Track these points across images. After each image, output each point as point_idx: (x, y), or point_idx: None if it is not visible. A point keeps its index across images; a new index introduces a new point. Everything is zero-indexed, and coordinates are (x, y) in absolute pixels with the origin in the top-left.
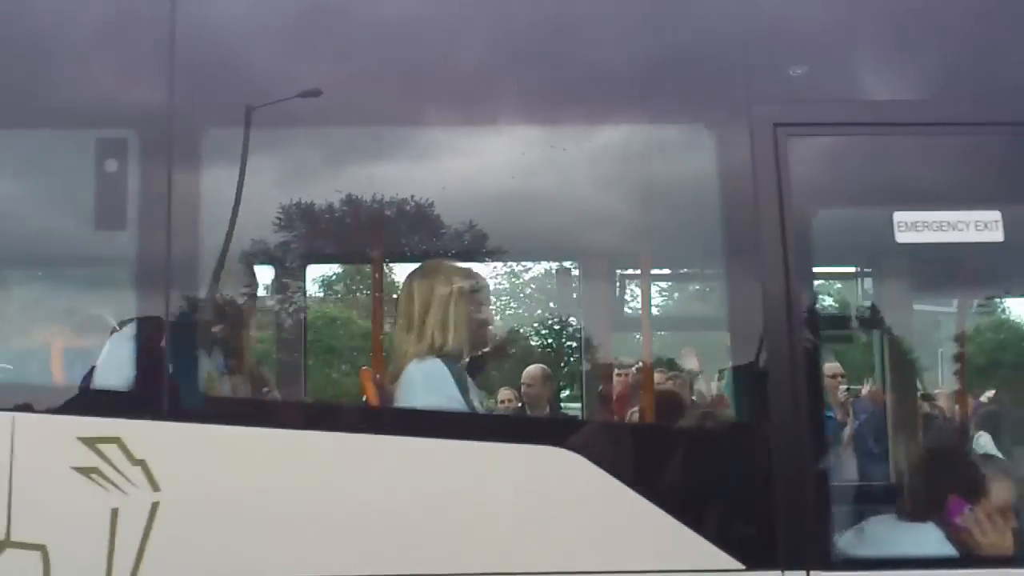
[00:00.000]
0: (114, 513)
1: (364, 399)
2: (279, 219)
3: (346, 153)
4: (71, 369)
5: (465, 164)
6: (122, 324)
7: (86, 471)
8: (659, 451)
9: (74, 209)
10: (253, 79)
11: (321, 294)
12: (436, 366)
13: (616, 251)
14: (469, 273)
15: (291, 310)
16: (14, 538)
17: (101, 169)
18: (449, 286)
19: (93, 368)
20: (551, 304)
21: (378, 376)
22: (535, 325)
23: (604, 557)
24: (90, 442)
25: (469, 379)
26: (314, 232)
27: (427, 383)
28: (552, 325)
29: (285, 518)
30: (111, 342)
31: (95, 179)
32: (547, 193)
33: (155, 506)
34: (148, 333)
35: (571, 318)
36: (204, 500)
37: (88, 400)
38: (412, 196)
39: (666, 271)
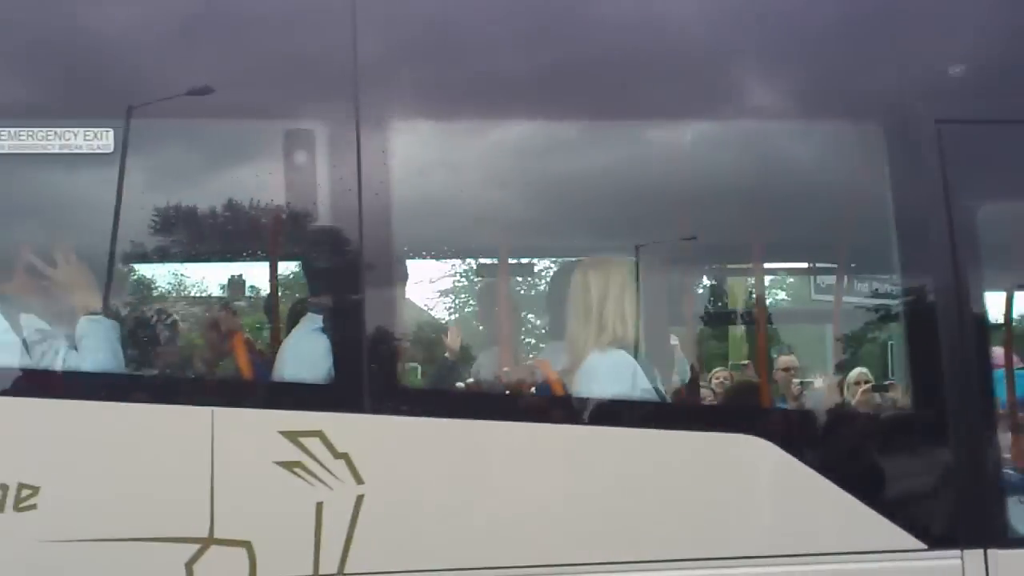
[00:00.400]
0: (319, 507)
1: (540, 388)
2: (466, 211)
3: (542, 142)
4: (265, 363)
5: None
6: (314, 316)
7: (289, 465)
8: (845, 437)
9: (263, 201)
10: (433, 70)
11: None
12: (622, 356)
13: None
14: (638, 266)
15: (485, 301)
16: (218, 535)
17: (290, 161)
18: (624, 278)
19: (287, 361)
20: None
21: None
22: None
23: (793, 540)
24: (292, 436)
25: (653, 368)
26: (501, 224)
27: (615, 372)
28: None
29: (484, 507)
30: (304, 334)
31: (284, 170)
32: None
33: (359, 499)
34: (346, 326)
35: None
36: (406, 492)
37: (288, 393)
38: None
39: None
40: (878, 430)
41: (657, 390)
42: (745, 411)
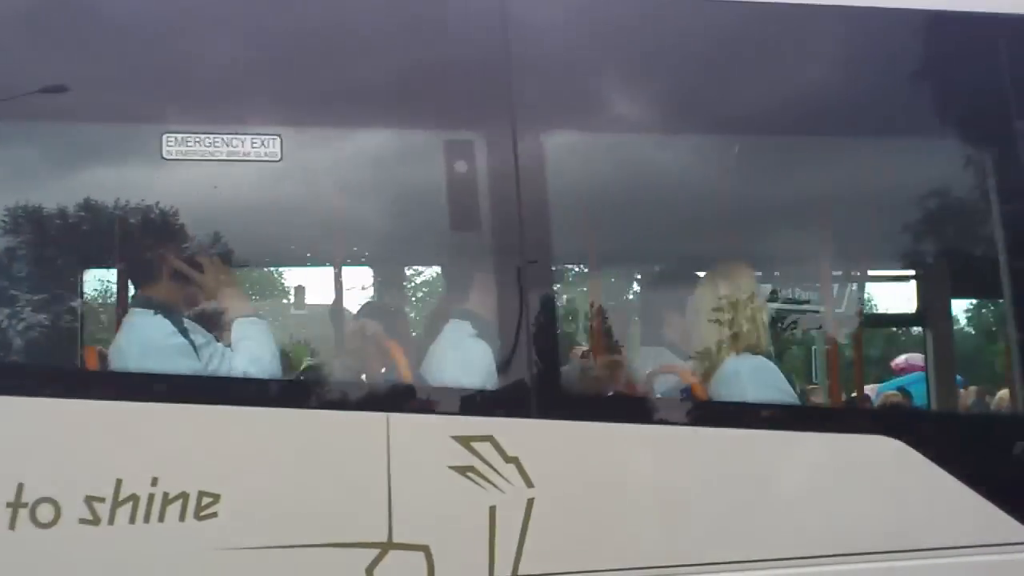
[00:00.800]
0: (492, 510)
1: (682, 392)
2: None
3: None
4: (433, 368)
5: None
6: (460, 323)
7: (462, 470)
8: (977, 439)
9: (424, 209)
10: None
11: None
12: (762, 361)
13: None
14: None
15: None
16: (396, 540)
17: (452, 170)
18: (755, 286)
19: (448, 366)
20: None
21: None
22: None
23: (923, 536)
24: (464, 441)
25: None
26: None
27: (757, 377)
28: None
29: (645, 508)
30: (459, 340)
31: (445, 180)
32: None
33: (530, 502)
34: (511, 333)
35: None
36: (573, 495)
37: (458, 399)
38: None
39: None
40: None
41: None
42: (880, 413)
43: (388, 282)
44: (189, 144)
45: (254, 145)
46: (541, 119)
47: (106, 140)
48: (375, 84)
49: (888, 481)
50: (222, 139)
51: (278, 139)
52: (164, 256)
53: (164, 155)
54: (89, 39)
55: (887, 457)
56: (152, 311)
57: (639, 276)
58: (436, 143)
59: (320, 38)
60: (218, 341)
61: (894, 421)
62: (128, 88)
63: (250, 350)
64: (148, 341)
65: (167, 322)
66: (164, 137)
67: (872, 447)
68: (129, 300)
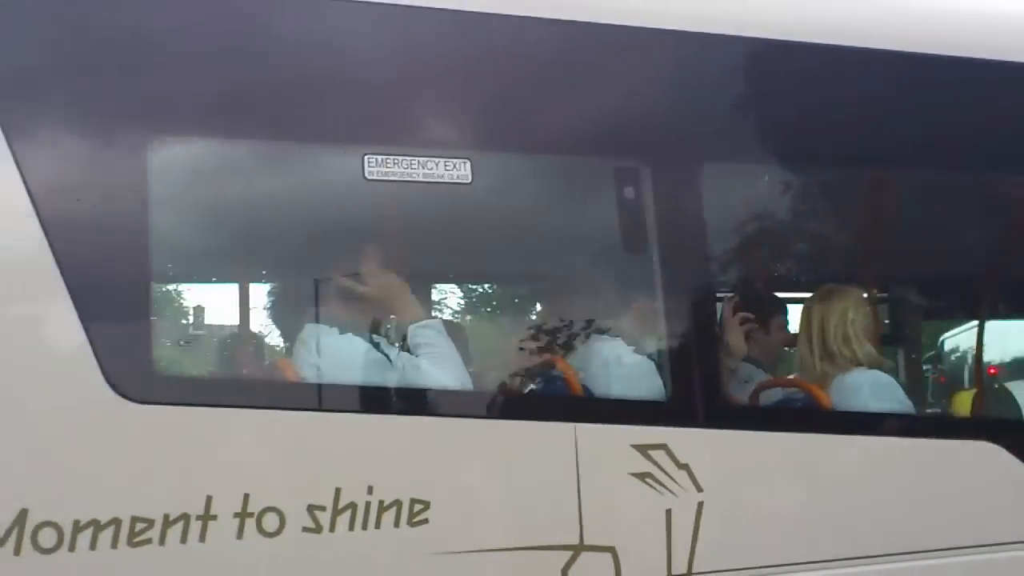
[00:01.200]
0: (668, 513)
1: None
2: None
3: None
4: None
5: None
6: (613, 341)
7: (641, 476)
8: None
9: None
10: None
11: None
12: (881, 375)
13: None
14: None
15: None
16: (587, 542)
17: (621, 196)
18: (864, 305)
19: (615, 379)
20: None
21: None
22: None
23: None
24: (642, 449)
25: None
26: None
27: (878, 390)
28: None
29: (799, 509)
30: (622, 355)
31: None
32: None
33: (700, 505)
34: (679, 350)
35: None
36: (736, 499)
37: (636, 410)
38: None
39: None
40: None
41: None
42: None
43: (554, 299)
44: (388, 165)
45: (447, 168)
46: (697, 151)
47: (311, 160)
48: (550, 115)
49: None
50: (418, 161)
51: (468, 163)
52: (341, 272)
53: (366, 175)
54: (306, 69)
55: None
56: (334, 327)
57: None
58: (607, 170)
59: (506, 75)
60: (394, 345)
61: (995, 428)
62: (335, 111)
63: (434, 357)
64: (349, 357)
65: (359, 339)
66: (365, 158)
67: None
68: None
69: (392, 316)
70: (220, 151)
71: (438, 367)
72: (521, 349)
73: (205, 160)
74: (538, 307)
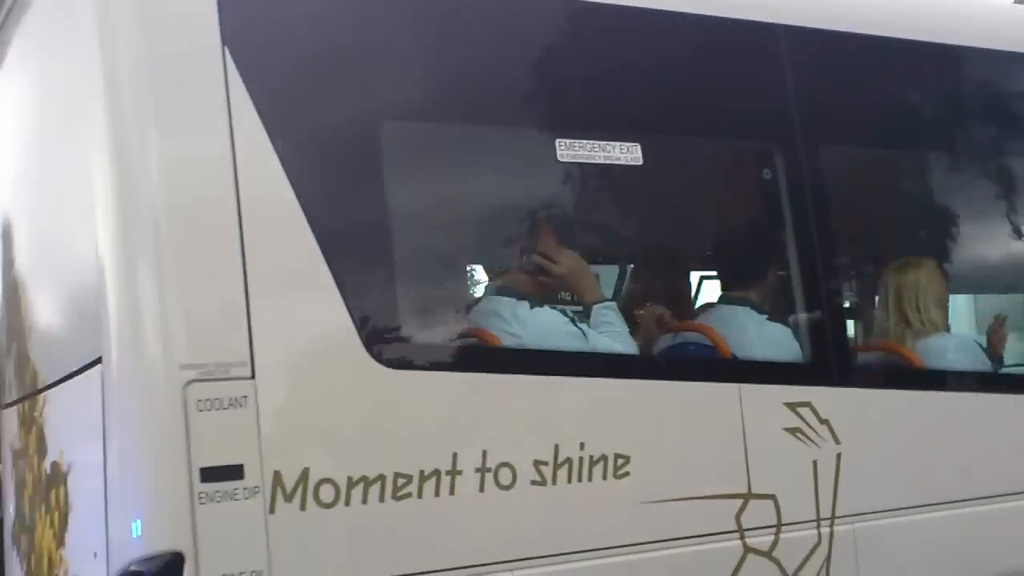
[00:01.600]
0: (814, 464)
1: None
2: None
3: None
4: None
5: None
6: (750, 311)
7: (792, 431)
8: None
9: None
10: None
11: None
12: (962, 337)
13: None
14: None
15: None
16: (754, 490)
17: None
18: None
19: (757, 345)
20: None
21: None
22: None
23: None
24: (792, 406)
25: None
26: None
27: (962, 351)
28: None
29: (921, 456)
30: (761, 324)
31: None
32: None
33: (838, 456)
34: (815, 319)
35: None
36: (867, 450)
37: (784, 371)
38: None
39: None
40: None
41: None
42: None
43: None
44: (575, 149)
45: (622, 151)
46: (824, 133)
47: (506, 143)
48: (700, 104)
49: None
50: (598, 144)
51: (638, 146)
52: (528, 247)
53: (558, 158)
54: (511, 60)
55: None
56: (523, 300)
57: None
58: (747, 153)
59: (666, 71)
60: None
61: None
62: (534, 99)
63: (616, 336)
64: (555, 328)
65: (555, 312)
66: (557, 142)
67: None
68: (485, 288)
69: (568, 293)
70: (455, 138)
71: (619, 345)
72: (672, 318)
73: (438, 146)
74: (681, 281)
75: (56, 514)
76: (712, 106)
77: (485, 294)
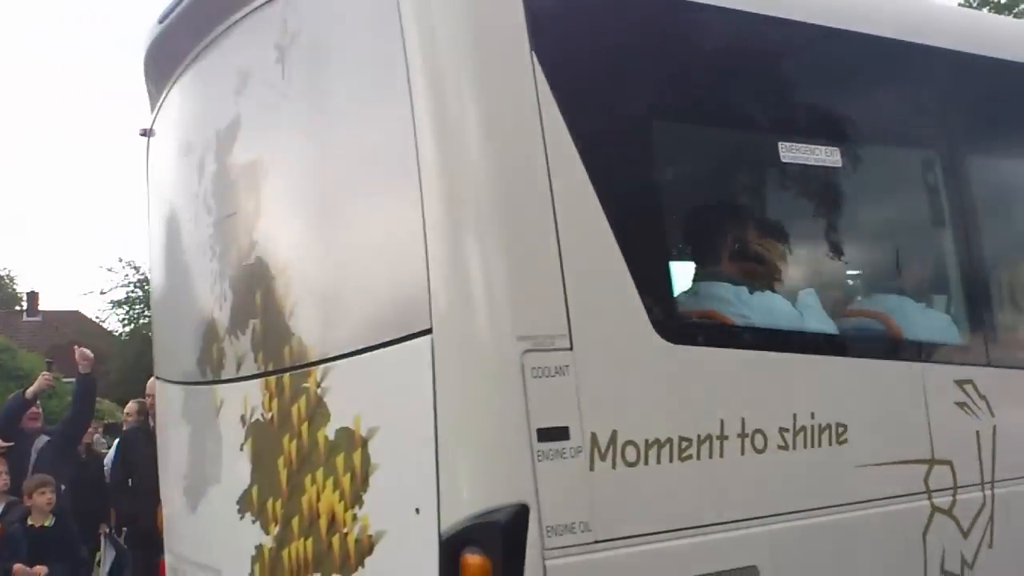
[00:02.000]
0: (977, 434)
1: None
2: None
3: None
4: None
5: None
6: (907, 300)
7: (960, 405)
8: None
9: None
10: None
11: None
12: None
13: None
14: None
15: None
16: (936, 457)
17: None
18: None
19: (922, 328)
20: None
21: None
22: None
23: None
24: (960, 383)
25: None
26: None
27: None
28: None
29: None
30: (919, 310)
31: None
32: None
33: (994, 428)
34: (974, 306)
35: None
36: (1015, 423)
37: (955, 352)
38: None
39: None
40: None
41: None
42: None
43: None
44: (795, 152)
45: (827, 154)
46: (973, 143)
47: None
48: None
49: None
50: (809, 147)
51: (838, 150)
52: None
53: (782, 159)
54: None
55: None
56: (741, 286)
57: None
58: (913, 159)
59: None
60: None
61: None
62: (763, 107)
63: (819, 319)
64: (780, 310)
65: (777, 296)
66: (780, 144)
67: None
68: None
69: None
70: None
71: (825, 326)
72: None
73: (705, 147)
74: (854, 271)
75: (348, 476)
76: (894, 119)
77: (697, 280)
